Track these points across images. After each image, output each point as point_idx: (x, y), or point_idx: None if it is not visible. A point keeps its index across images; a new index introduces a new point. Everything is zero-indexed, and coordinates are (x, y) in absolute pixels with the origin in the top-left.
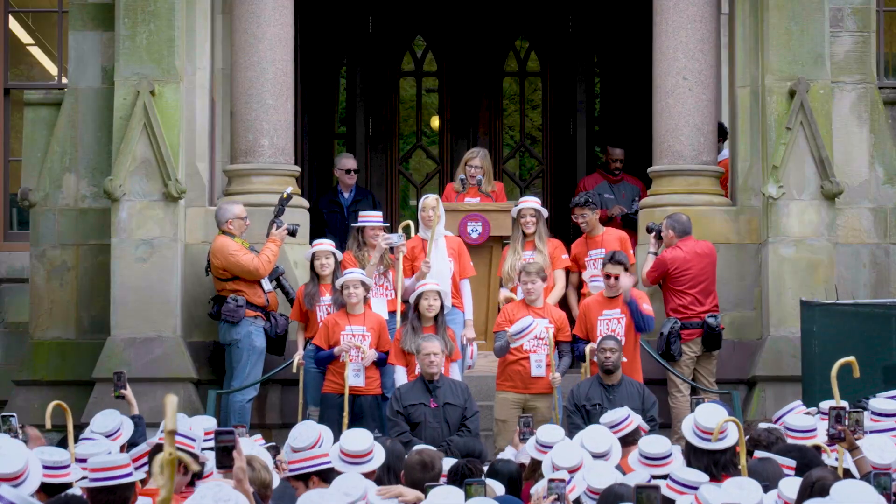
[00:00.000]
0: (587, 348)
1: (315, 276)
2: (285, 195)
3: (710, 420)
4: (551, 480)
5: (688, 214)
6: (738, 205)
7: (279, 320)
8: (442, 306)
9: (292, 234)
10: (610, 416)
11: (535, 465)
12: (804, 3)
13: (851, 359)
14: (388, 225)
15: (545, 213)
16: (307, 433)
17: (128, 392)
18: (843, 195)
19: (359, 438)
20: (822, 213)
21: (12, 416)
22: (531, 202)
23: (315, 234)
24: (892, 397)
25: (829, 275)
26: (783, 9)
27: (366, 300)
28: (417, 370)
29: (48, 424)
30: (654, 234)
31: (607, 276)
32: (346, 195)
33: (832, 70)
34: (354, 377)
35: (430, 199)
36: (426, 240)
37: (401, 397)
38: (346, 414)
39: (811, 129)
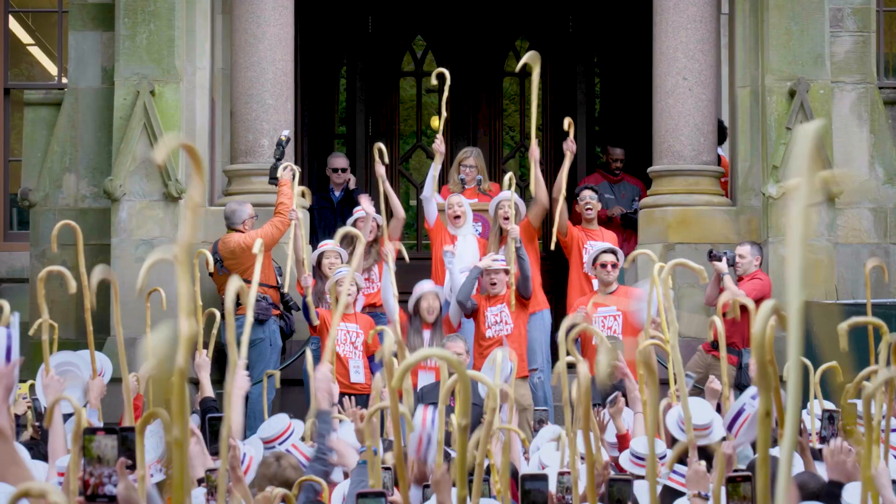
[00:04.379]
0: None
1: (321, 276)
2: (284, 137)
3: (694, 416)
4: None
5: (688, 214)
6: (738, 205)
7: (291, 319)
8: (440, 307)
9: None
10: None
11: None
12: (804, 3)
13: (834, 364)
14: (379, 217)
15: (522, 205)
16: (276, 424)
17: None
18: (843, 195)
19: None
20: (822, 213)
21: (36, 399)
22: (506, 193)
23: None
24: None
25: (829, 275)
26: (783, 9)
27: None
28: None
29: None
30: (720, 264)
31: (603, 265)
32: (336, 193)
33: (832, 70)
34: (355, 374)
35: (454, 197)
36: (455, 236)
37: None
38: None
39: None
